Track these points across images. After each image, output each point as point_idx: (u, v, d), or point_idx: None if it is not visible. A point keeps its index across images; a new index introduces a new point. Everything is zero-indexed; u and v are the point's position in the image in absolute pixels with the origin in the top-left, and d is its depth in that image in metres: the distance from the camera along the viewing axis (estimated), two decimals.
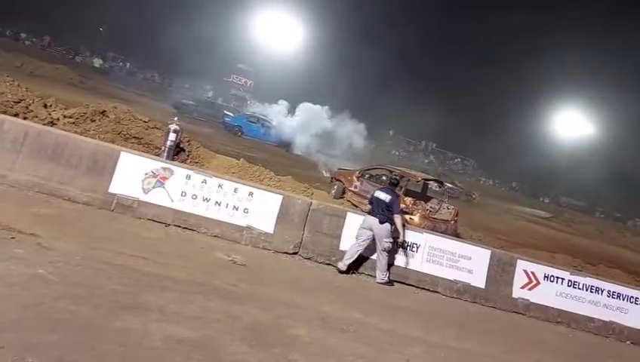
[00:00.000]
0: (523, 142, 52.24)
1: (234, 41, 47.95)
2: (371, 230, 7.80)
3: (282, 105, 30.61)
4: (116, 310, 4.52)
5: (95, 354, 3.81)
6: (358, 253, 7.84)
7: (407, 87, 46.81)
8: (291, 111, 29.71)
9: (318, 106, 29.00)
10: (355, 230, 8.04)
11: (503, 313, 8.31)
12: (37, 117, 10.25)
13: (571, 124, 55.44)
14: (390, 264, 8.06)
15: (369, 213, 8.02)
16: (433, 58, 50.44)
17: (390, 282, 7.98)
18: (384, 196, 7.93)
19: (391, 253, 8.01)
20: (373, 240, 7.86)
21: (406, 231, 8.35)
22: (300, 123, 27.99)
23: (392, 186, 8.42)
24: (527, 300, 8.52)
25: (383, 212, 7.80)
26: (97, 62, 50.59)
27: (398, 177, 9.66)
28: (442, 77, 52.51)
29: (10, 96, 10.23)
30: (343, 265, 7.80)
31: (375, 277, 7.96)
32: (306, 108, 28.91)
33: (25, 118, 9.63)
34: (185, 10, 47.04)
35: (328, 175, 17.34)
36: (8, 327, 3.79)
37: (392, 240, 7.86)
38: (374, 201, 7.99)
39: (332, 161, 21.17)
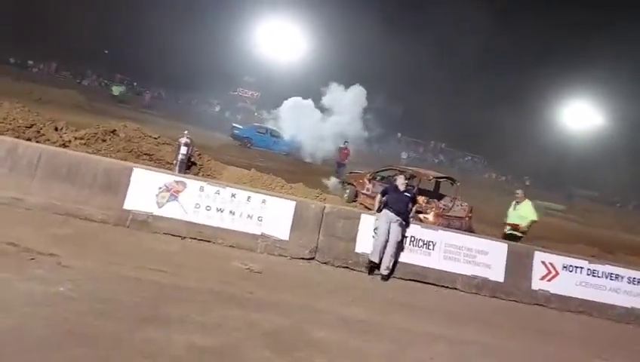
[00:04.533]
0: (533, 137, 51.83)
1: (239, 54, 48.34)
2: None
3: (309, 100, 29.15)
4: (139, 322, 4.57)
5: None
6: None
7: (413, 89, 46.85)
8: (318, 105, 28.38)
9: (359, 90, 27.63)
10: (369, 231, 8.05)
11: (524, 306, 8.24)
12: (49, 140, 10.43)
13: (581, 116, 54.91)
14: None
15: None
16: (439, 56, 50.34)
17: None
18: None
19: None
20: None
21: (423, 229, 8.50)
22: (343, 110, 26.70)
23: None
24: (548, 291, 8.45)
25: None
26: (117, 90, 45.29)
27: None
28: (448, 75, 52.32)
29: (22, 122, 10.43)
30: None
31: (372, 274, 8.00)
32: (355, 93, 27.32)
33: (37, 142, 9.79)
34: (188, 29, 47.67)
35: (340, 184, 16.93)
36: (35, 345, 3.85)
37: None
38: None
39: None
